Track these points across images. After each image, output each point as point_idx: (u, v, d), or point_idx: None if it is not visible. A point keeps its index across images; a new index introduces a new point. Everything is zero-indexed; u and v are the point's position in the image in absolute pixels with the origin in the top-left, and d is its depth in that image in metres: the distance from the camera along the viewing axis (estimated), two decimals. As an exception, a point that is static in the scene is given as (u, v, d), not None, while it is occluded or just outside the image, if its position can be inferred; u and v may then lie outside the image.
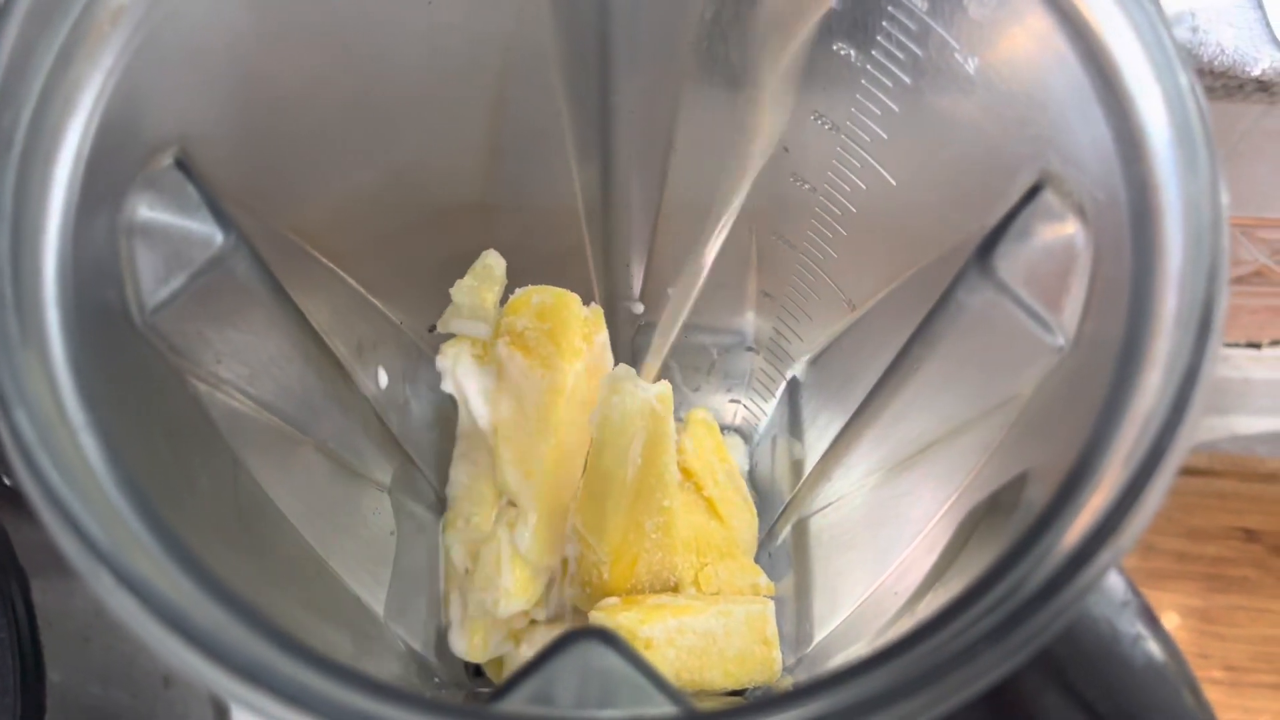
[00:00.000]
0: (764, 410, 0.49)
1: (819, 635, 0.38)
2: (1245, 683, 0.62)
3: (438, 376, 0.40)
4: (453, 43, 0.34)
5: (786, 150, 0.36)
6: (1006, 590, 0.19)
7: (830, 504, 0.40)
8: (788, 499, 0.44)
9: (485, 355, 0.40)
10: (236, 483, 0.29)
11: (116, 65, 0.23)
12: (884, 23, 0.29)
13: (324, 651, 0.19)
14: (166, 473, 0.24)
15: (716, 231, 0.35)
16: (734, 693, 0.38)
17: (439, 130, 0.37)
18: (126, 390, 0.24)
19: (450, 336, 0.41)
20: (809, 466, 0.42)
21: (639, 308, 0.46)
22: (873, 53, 0.30)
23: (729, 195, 0.37)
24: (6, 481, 0.32)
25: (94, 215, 0.23)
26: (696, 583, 0.41)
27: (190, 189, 0.27)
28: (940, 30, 0.28)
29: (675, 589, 0.40)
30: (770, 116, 0.35)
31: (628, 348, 0.48)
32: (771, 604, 0.39)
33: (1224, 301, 0.20)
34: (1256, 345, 0.69)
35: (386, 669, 0.35)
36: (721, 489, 0.44)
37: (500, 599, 0.38)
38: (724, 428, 0.50)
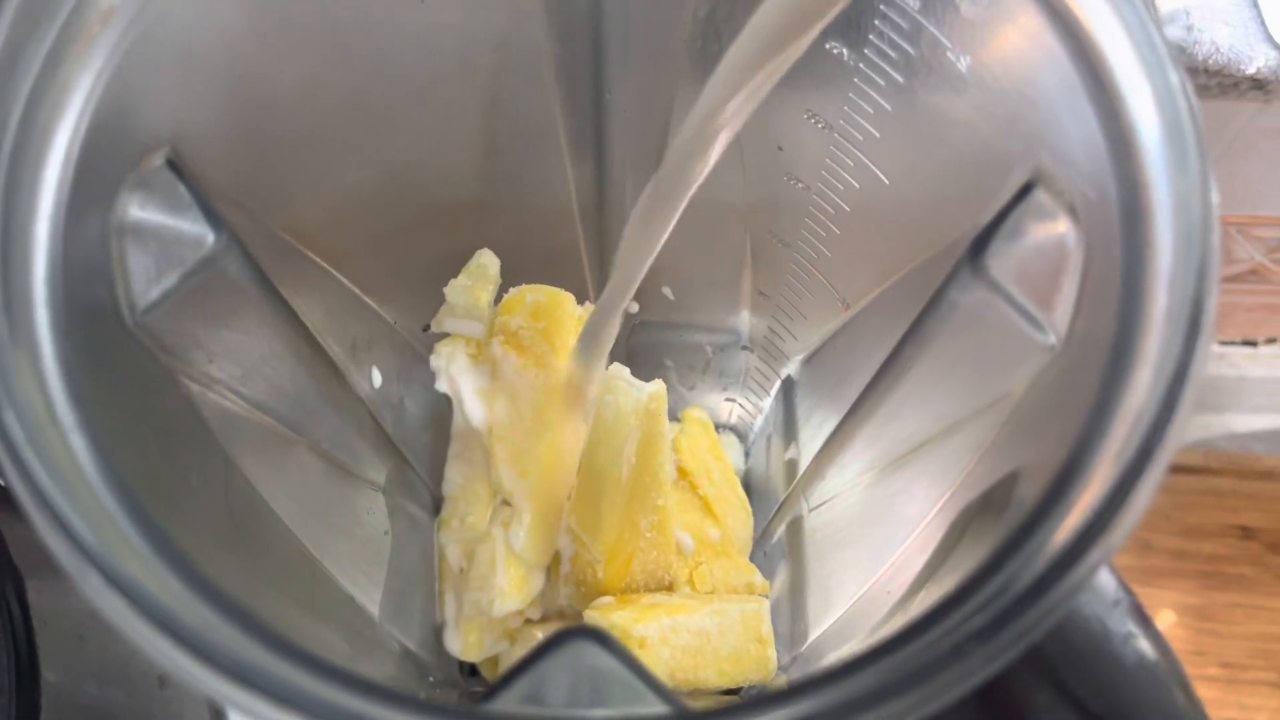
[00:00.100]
0: (759, 409, 0.49)
1: (813, 634, 0.38)
2: (1242, 680, 0.62)
3: (432, 376, 0.40)
4: (447, 42, 0.34)
5: (780, 149, 0.36)
6: (996, 589, 0.19)
7: (824, 503, 0.40)
8: (782, 498, 0.44)
9: (480, 354, 0.40)
10: (229, 483, 0.29)
11: (107, 66, 0.23)
12: (876, 21, 0.29)
13: (318, 652, 0.19)
14: (158, 473, 0.24)
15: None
16: (729, 692, 0.38)
17: (433, 129, 0.37)
18: (117, 391, 0.24)
19: (444, 336, 0.41)
20: (803, 465, 0.42)
21: (634, 307, 0.46)
22: (865, 51, 0.30)
23: (724, 193, 0.38)
24: (0, 482, 0.32)
25: (85, 215, 0.23)
26: (691, 581, 0.41)
27: (182, 189, 0.27)
28: (932, 29, 0.28)
29: (670, 588, 0.40)
30: (763, 115, 0.35)
31: (622, 347, 0.48)
32: (766, 603, 0.39)
33: (1214, 299, 0.20)
34: (1252, 343, 0.69)
35: (381, 669, 0.35)
36: (717, 488, 0.44)
37: (495, 598, 0.38)
38: (719, 426, 0.50)
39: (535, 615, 0.40)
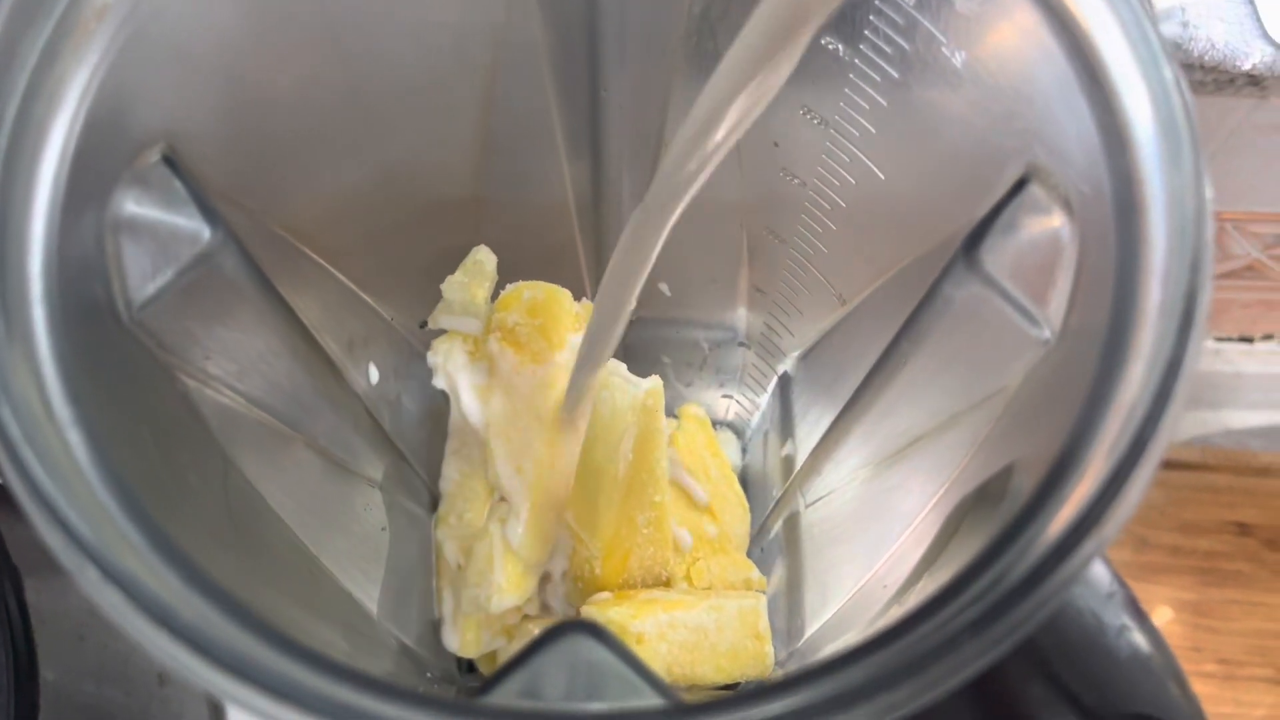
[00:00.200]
0: (756, 405, 0.49)
1: (810, 629, 0.38)
2: (1239, 676, 0.62)
3: (429, 373, 0.40)
4: (442, 39, 0.34)
5: (776, 145, 0.36)
6: (990, 581, 0.19)
7: (821, 498, 0.40)
8: (779, 494, 0.44)
9: (477, 351, 0.40)
10: (227, 480, 0.29)
11: (102, 62, 0.23)
12: (871, 17, 0.29)
13: (315, 647, 0.19)
14: (155, 470, 0.24)
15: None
16: (727, 687, 0.38)
17: (430, 127, 0.37)
18: (114, 387, 0.24)
19: (442, 332, 0.41)
20: (800, 461, 0.43)
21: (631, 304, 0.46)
22: (860, 47, 0.30)
23: (719, 190, 0.37)
24: (-2, 479, 0.32)
25: (80, 211, 0.23)
26: (688, 577, 0.41)
27: (178, 185, 0.27)
28: (928, 24, 0.28)
29: (667, 584, 0.40)
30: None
31: (619, 343, 0.48)
32: (763, 598, 0.39)
33: (1207, 294, 0.20)
34: (1249, 339, 0.70)
35: (379, 665, 0.35)
36: (714, 484, 0.44)
37: (493, 595, 0.38)
38: (716, 423, 0.50)
39: (533, 611, 0.40)
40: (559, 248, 0.42)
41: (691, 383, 0.50)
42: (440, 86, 0.35)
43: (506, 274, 0.41)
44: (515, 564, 0.38)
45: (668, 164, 0.25)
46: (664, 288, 0.46)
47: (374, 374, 0.40)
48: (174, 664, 0.18)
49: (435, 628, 0.41)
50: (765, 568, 0.44)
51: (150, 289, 0.26)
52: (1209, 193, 0.21)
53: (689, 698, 0.20)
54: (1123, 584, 0.22)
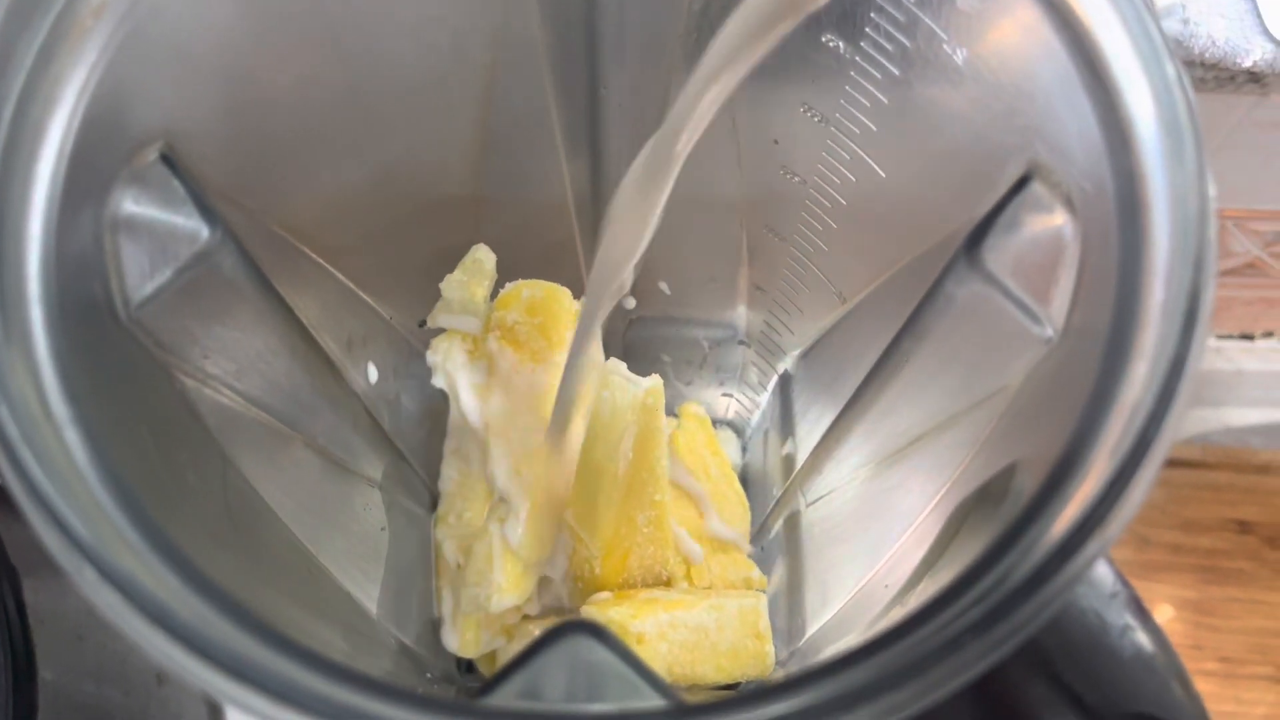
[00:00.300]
0: (756, 404, 0.49)
1: (811, 629, 0.38)
2: (1239, 674, 0.62)
3: (428, 372, 0.40)
4: (441, 37, 0.34)
5: (776, 143, 0.36)
6: (993, 582, 0.19)
7: (822, 497, 0.40)
8: (779, 493, 0.44)
9: (476, 350, 0.40)
10: (225, 479, 0.29)
11: (100, 60, 0.23)
12: (872, 14, 0.29)
13: (315, 648, 0.19)
14: (154, 470, 0.24)
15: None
16: (727, 687, 0.38)
17: (428, 125, 0.37)
18: (111, 386, 0.24)
19: (441, 331, 0.41)
20: (800, 460, 0.42)
21: (630, 302, 0.46)
22: (861, 44, 0.30)
23: (719, 188, 0.37)
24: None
25: (78, 210, 0.23)
26: (689, 577, 0.41)
27: (176, 184, 0.27)
28: (929, 21, 0.28)
29: (667, 583, 0.40)
30: (759, 109, 0.35)
31: (619, 342, 0.48)
32: (764, 598, 0.39)
33: (1211, 292, 0.20)
34: (1249, 337, 0.70)
35: (378, 665, 0.35)
36: (714, 483, 0.44)
37: (492, 594, 0.38)
38: (716, 422, 0.50)
39: (533, 611, 0.40)
40: (558, 246, 0.42)
41: (691, 381, 0.50)
42: (439, 85, 0.35)
43: (506, 273, 0.41)
44: (515, 564, 0.38)
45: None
46: (664, 286, 0.46)
47: (373, 373, 0.40)
48: (172, 664, 0.18)
49: (434, 627, 0.41)
50: (765, 567, 0.43)
51: (149, 288, 0.26)
52: (1212, 190, 0.20)
53: (690, 698, 0.20)
54: (1126, 584, 0.22)
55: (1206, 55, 0.42)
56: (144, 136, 0.26)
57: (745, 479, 0.48)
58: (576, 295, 0.41)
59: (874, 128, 0.32)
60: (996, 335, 0.27)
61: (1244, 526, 0.67)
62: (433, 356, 0.40)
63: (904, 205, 0.33)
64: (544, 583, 0.40)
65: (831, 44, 0.31)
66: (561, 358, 0.39)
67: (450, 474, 0.42)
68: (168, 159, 0.26)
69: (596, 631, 0.21)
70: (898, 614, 0.28)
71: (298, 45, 0.31)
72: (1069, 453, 0.20)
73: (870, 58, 0.30)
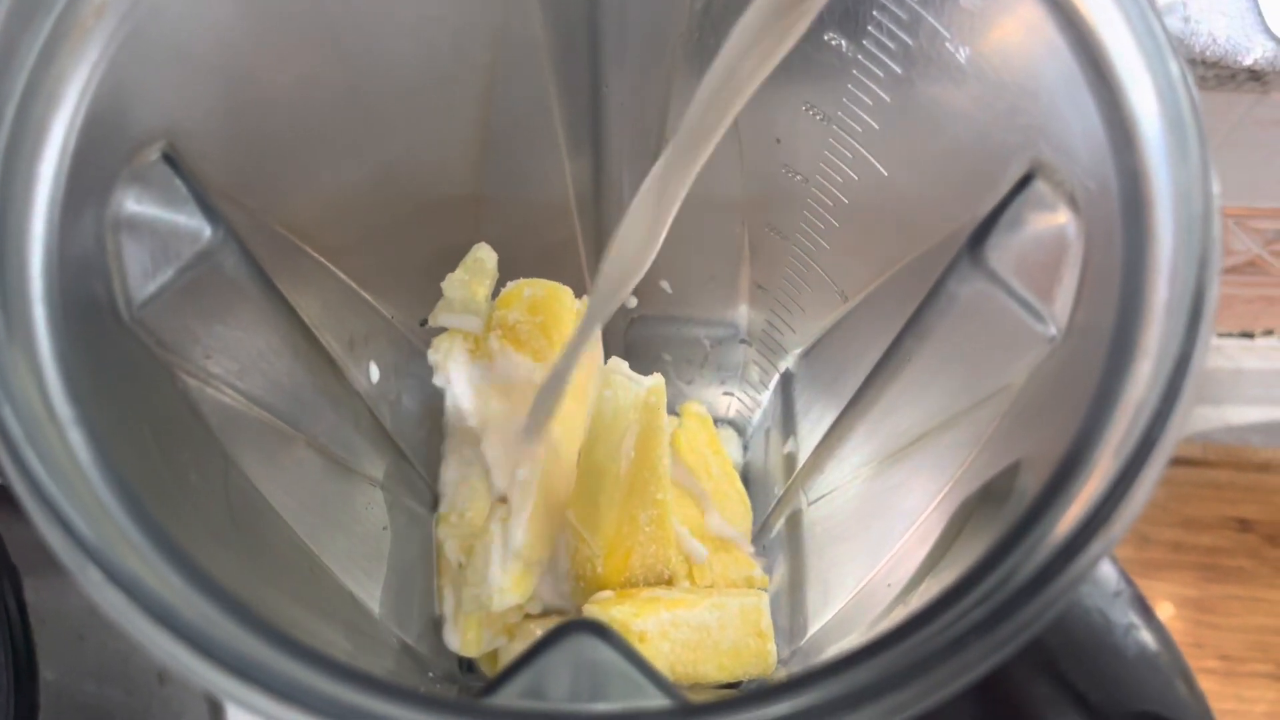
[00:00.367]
0: (758, 403, 0.49)
1: (813, 627, 0.38)
2: (1240, 672, 0.62)
3: (430, 371, 0.40)
4: (442, 36, 0.34)
5: (778, 141, 0.36)
6: (997, 581, 0.19)
7: (823, 496, 0.40)
8: (781, 491, 0.44)
9: (477, 349, 0.40)
10: (228, 479, 0.29)
11: (101, 59, 0.23)
12: (875, 12, 0.29)
13: (318, 647, 0.19)
14: (156, 469, 0.24)
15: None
16: (729, 686, 0.38)
17: (429, 124, 0.37)
18: (115, 386, 0.24)
19: (442, 330, 0.41)
20: (802, 459, 0.42)
21: (632, 301, 0.46)
22: (864, 42, 0.30)
23: (720, 187, 0.37)
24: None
25: (80, 210, 0.23)
26: (690, 576, 0.41)
27: (178, 183, 0.27)
28: (931, 19, 0.28)
29: (669, 582, 0.40)
30: (761, 108, 0.35)
31: (620, 341, 0.48)
32: (766, 597, 0.39)
33: (1215, 290, 0.20)
34: (1249, 335, 0.70)
35: (381, 664, 0.35)
36: (715, 482, 0.44)
37: (494, 594, 0.38)
38: (717, 420, 0.50)
39: (534, 610, 0.40)
40: (560, 245, 0.42)
41: (692, 380, 0.50)
42: (440, 85, 0.35)
43: (507, 272, 0.41)
44: (516, 563, 0.38)
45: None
46: (665, 285, 0.46)
47: (374, 372, 0.40)
48: (177, 665, 0.18)
49: (436, 627, 0.41)
50: (767, 566, 0.43)
51: (151, 287, 0.26)
52: (1216, 188, 0.20)
53: (692, 697, 0.20)
54: (1130, 582, 0.22)
55: (1207, 53, 0.42)
56: (146, 135, 0.26)
57: (746, 478, 0.48)
58: (578, 294, 0.41)
59: (876, 126, 0.32)
60: (999, 334, 0.27)
61: (1244, 524, 0.67)
62: (434, 355, 0.40)
63: (906, 204, 0.33)
64: (546, 582, 0.40)
65: (834, 42, 0.31)
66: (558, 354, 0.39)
67: (451, 473, 0.42)
68: (169, 158, 0.26)
69: (600, 631, 0.21)
70: (900, 613, 0.28)
71: (298, 45, 0.31)
72: (1073, 451, 0.20)
73: (873, 56, 0.30)
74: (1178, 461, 0.68)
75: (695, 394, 0.51)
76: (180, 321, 0.27)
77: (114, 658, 0.43)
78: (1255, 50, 0.41)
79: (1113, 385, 0.20)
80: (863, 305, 0.38)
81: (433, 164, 0.38)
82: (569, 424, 0.38)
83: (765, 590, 0.42)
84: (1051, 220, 0.25)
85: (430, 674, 0.39)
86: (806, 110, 0.34)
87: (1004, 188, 0.26)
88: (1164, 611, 0.63)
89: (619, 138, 0.37)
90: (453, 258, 0.41)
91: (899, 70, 0.30)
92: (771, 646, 0.38)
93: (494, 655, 0.41)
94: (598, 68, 0.34)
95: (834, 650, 0.35)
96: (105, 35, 0.23)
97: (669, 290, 0.46)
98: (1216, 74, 0.43)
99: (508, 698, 0.20)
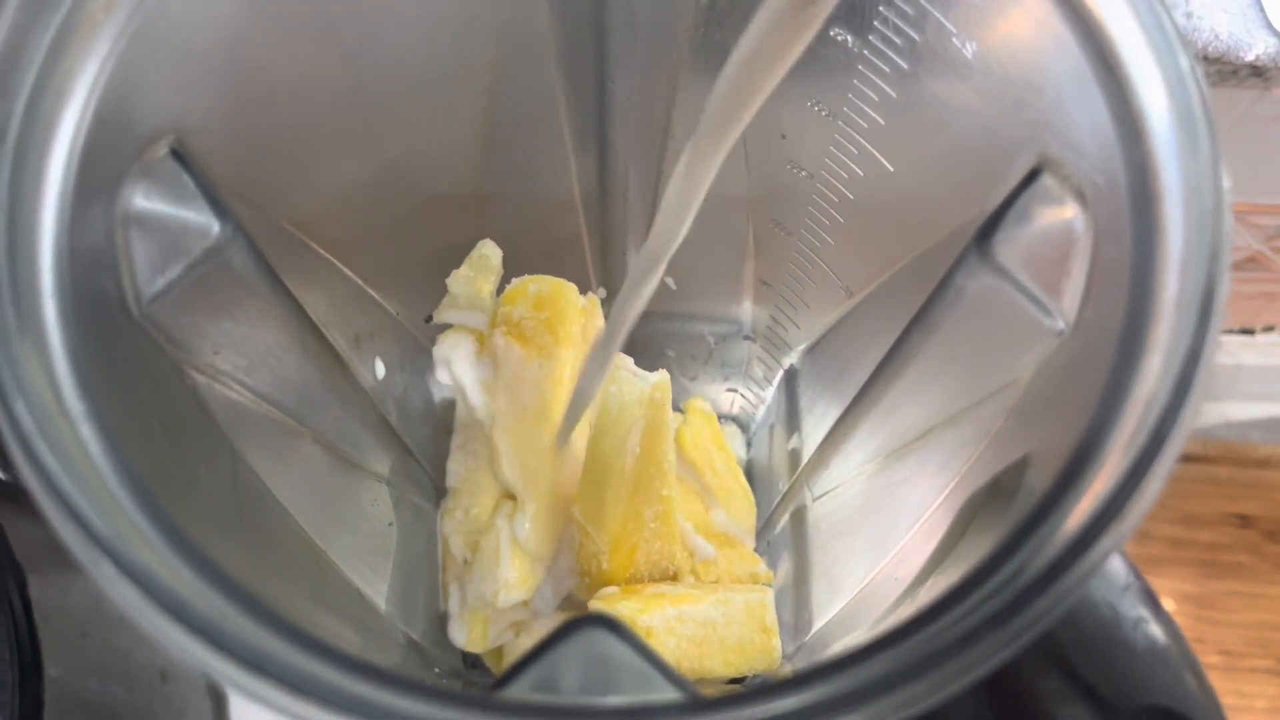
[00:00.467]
0: (761, 399, 0.49)
1: (818, 623, 0.38)
2: (1240, 668, 0.62)
3: (435, 367, 0.40)
4: (446, 32, 0.34)
5: (783, 137, 0.36)
6: (1008, 575, 0.19)
7: (828, 492, 0.40)
8: (785, 487, 0.44)
9: (482, 346, 0.40)
10: (235, 474, 0.29)
11: (110, 54, 0.23)
12: (881, 7, 0.29)
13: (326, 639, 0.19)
14: (166, 464, 0.24)
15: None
16: (734, 681, 0.38)
17: (434, 120, 0.36)
18: (125, 381, 0.24)
19: (447, 327, 0.41)
20: (806, 455, 0.42)
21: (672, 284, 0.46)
22: (870, 38, 0.30)
23: (725, 183, 0.37)
24: (2, 476, 0.32)
25: (90, 205, 0.23)
26: (695, 571, 0.41)
27: (186, 179, 0.27)
28: (938, 14, 0.28)
29: (674, 578, 0.40)
30: (766, 104, 0.35)
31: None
32: (770, 592, 0.39)
33: (1226, 285, 0.20)
34: (1250, 331, 0.70)
35: (386, 659, 0.35)
36: (719, 478, 0.44)
37: (500, 590, 0.38)
38: (721, 417, 0.50)
39: (539, 606, 0.40)
40: (565, 242, 0.42)
41: (696, 376, 0.50)
42: (445, 81, 0.35)
43: (512, 268, 0.41)
44: (522, 559, 0.38)
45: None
46: (669, 281, 0.46)
47: (380, 369, 0.40)
48: (190, 658, 0.18)
49: (442, 622, 0.41)
50: (771, 562, 0.44)
51: (160, 283, 0.26)
52: (1227, 182, 0.20)
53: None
54: (1138, 576, 0.22)
55: (1209, 49, 0.42)
56: (154, 131, 0.26)
57: (750, 474, 0.48)
58: (583, 290, 0.41)
59: (882, 122, 0.32)
60: (1007, 328, 0.27)
61: (1244, 521, 0.67)
62: (439, 352, 0.40)
63: (912, 199, 0.33)
64: (551, 578, 0.40)
65: (839, 38, 0.31)
66: (568, 353, 0.39)
67: (457, 469, 0.42)
68: (178, 154, 0.26)
69: (611, 625, 0.21)
70: (908, 608, 0.28)
71: (302, 41, 0.31)
72: (1083, 446, 0.20)
73: (879, 51, 0.30)
74: (1178, 457, 0.68)
75: (699, 390, 0.51)
76: (189, 317, 0.27)
77: (116, 655, 0.43)
78: (1257, 46, 0.41)
79: (1123, 380, 0.20)
80: (868, 301, 0.38)
81: (437, 160, 0.38)
82: (574, 420, 0.39)
83: (770, 586, 0.42)
84: (1059, 215, 0.25)
85: (436, 670, 0.39)
86: (812, 106, 0.34)
87: (1011, 183, 0.26)
88: (1164, 607, 0.63)
89: (624, 134, 0.37)
90: (458, 254, 0.41)
91: (905, 66, 0.30)
92: (776, 642, 0.38)
93: (499, 651, 0.41)
94: (603, 64, 0.34)
95: (840, 646, 0.35)
96: (114, 30, 0.23)
97: (673, 286, 0.46)
98: (1218, 70, 0.43)
99: (519, 691, 0.20)
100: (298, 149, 0.33)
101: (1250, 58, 0.42)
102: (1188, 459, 0.69)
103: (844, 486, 0.39)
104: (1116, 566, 0.22)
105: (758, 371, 0.49)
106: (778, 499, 0.45)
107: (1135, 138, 0.21)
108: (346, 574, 0.34)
